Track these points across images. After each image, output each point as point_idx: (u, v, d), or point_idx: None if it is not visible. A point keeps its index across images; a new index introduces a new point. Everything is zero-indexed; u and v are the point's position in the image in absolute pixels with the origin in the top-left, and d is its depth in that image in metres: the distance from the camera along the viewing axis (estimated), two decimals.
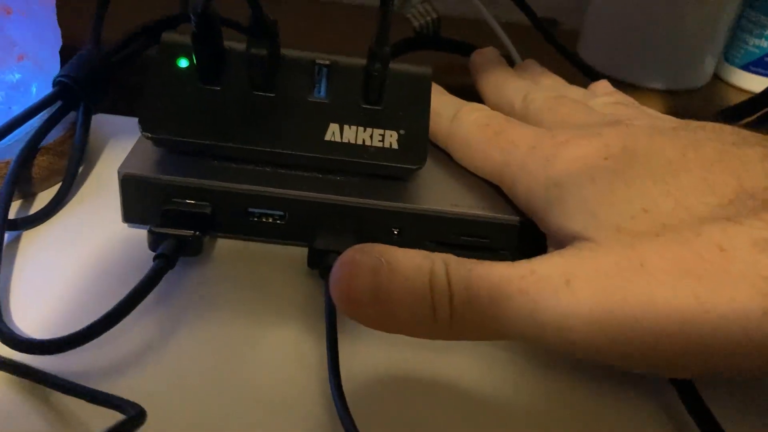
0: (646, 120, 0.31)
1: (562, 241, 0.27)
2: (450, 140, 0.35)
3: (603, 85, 0.40)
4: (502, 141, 0.32)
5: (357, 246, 0.25)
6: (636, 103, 0.37)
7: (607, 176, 0.26)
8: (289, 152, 0.32)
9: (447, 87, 0.40)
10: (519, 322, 0.24)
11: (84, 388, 0.25)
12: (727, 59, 0.61)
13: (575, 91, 0.39)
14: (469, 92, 0.46)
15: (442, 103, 0.37)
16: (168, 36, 0.33)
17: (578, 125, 0.32)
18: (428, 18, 0.49)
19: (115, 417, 0.24)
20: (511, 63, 0.48)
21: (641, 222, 0.24)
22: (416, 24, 0.49)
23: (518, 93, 0.37)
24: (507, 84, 0.39)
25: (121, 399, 0.24)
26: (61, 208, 0.35)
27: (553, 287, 0.24)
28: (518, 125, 0.33)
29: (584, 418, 0.28)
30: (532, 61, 0.44)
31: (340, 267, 0.24)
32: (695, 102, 0.58)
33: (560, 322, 0.23)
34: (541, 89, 0.37)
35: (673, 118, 0.33)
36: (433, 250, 0.33)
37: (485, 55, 0.45)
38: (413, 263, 0.24)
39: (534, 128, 0.32)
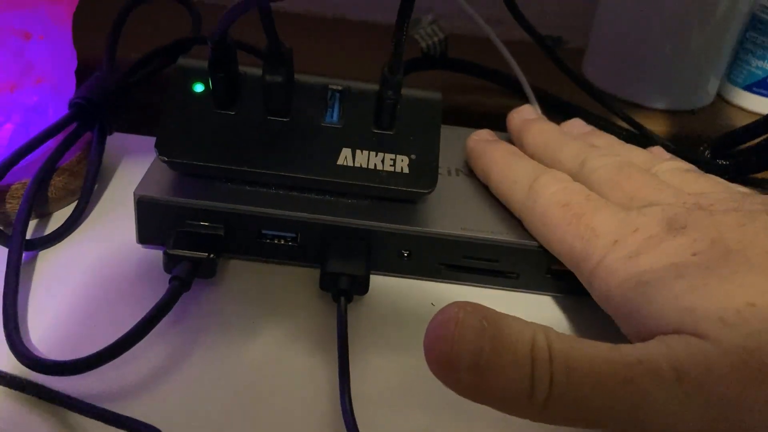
0: (725, 202, 0.29)
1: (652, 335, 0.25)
2: (525, 213, 0.33)
3: (660, 151, 0.38)
4: (582, 227, 0.30)
5: (459, 303, 0.22)
6: (696, 168, 0.34)
7: (698, 272, 0.25)
8: (303, 176, 0.33)
9: (454, 106, 0.40)
10: (619, 415, 0.22)
11: (104, 410, 0.25)
12: (730, 80, 0.62)
13: (635, 154, 0.36)
14: (477, 112, 0.47)
15: (519, 168, 0.35)
16: (184, 61, 0.34)
17: (650, 202, 0.30)
18: (435, 38, 0.49)
19: None
20: (517, 82, 0.49)
21: (749, 317, 0.22)
22: (423, 44, 0.49)
23: (575, 158, 0.35)
24: (561, 148, 0.36)
25: (140, 422, 0.24)
26: (76, 228, 0.36)
27: (662, 382, 0.22)
28: (599, 209, 0.30)
29: None
30: (579, 121, 0.42)
31: (442, 325, 0.22)
32: (698, 122, 0.59)
33: (667, 426, 0.21)
34: (600, 154, 0.34)
35: (741, 188, 0.32)
36: (442, 273, 0.34)
37: (523, 113, 0.41)
38: (516, 329, 0.22)
39: (617, 214, 0.30)
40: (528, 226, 0.33)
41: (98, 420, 0.25)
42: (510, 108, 0.42)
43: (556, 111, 0.52)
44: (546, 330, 0.23)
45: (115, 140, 0.41)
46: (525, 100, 0.49)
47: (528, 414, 0.22)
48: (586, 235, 0.30)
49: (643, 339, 0.25)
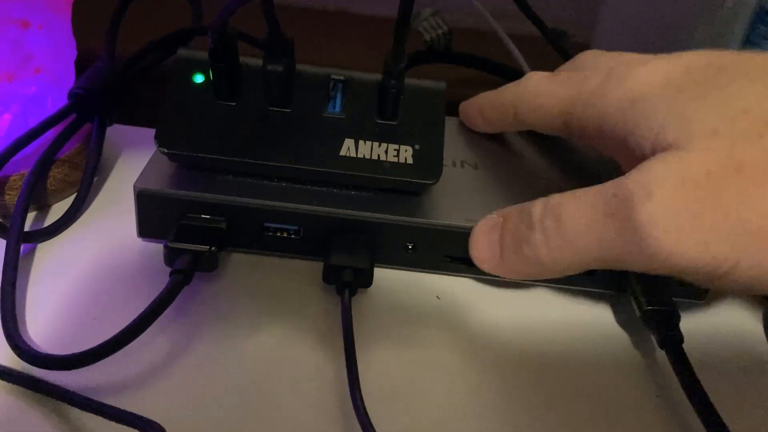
0: None
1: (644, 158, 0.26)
2: (517, 100, 0.34)
3: None
4: (573, 78, 0.31)
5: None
6: None
7: (695, 85, 0.25)
8: (305, 168, 0.32)
9: (459, 100, 0.40)
10: (611, 245, 0.24)
11: (104, 405, 0.25)
12: None
13: None
14: None
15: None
16: (184, 52, 0.33)
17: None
18: (439, 31, 0.49)
19: None
20: (522, 75, 0.48)
21: (741, 123, 0.23)
22: (427, 37, 0.48)
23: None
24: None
25: (141, 417, 0.24)
26: (75, 221, 0.35)
27: (634, 203, 0.23)
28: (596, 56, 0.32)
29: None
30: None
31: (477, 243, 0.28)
32: None
33: (643, 234, 0.23)
34: None
35: None
36: (447, 266, 0.34)
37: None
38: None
39: (612, 58, 0.31)
40: (521, 112, 0.34)
41: (98, 415, 0.25)
42: None
43: None
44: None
45: (116, 132, 0.41)
46: None
47: (540, 267, 0.26)
48: (578, 80, 0.30)
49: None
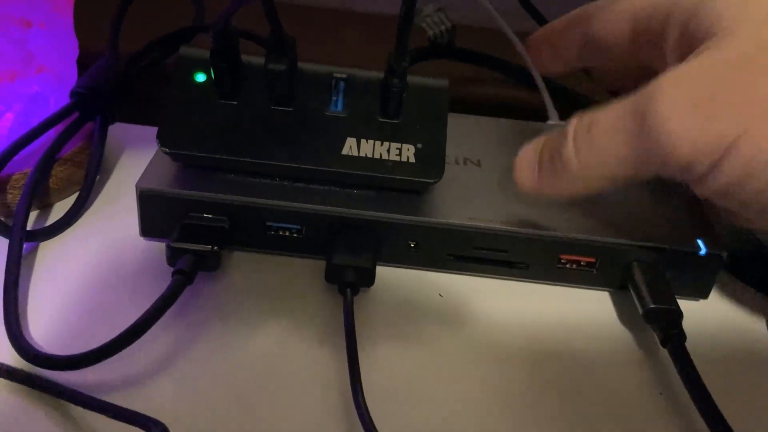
0: None
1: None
2: (591, 8, 0.34)
3: None
4: None
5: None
6: None
7: None
8: (307, 167, 0.32)
9: (462, 98, 0.40)
10: (633, 145, 0.25)
11: (107, 404, 0.25)
12: None
13: None
14: (484, 103, 0.46)
15: None
16: (186, 50, 0.33)
17: None
18: (442, 27, 0.49)
19: None
20: (527, 73, 0.48)
21: None
22: (430, 33, 0.48)
23: None
24: None
25: (144, 416, 0.24)
26: (78, 220, 0.35)
27: (655, 94, 0.24)
28: None
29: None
30: None
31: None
32: None
33: (655, 122, 0.24)
34: None
35: None
36: (450, 263, 0.34)
37: None
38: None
39: None
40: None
41: (101, 413, 0.25)
42: (520, 100, 0.41)
43: (567, 101, 0.51)
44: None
45: (118, 131, 0.41)
46: (535, 91, 0.48)
47: (572, 180, 0.28)
48: None
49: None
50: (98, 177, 0.38)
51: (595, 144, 0.26)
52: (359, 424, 0.26)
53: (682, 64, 0.25)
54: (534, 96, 0.48)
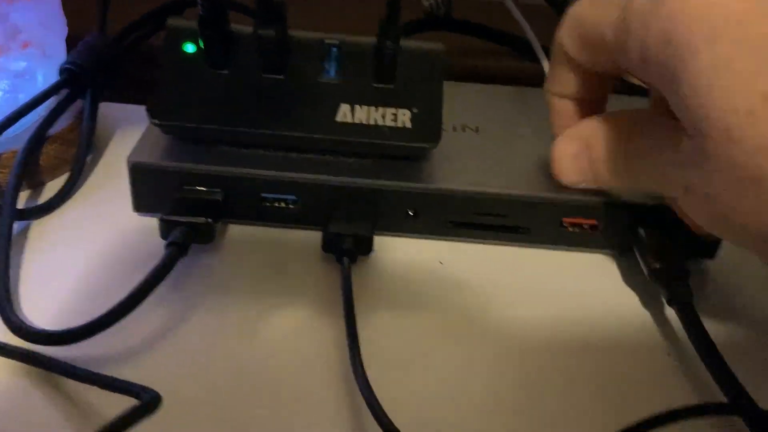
0: None
1: None
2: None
3: None
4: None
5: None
6: None
7: None
8: (300, 135, 0.31)
9: (459, 71, 0.39)
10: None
11: (97, 375, 0.24)
12: None
13: None
14: (483, 76, 0.45)
15: None
16: (174, 21, 0.33)
17: None
18: None
19: (130, 403, 0.23)
20: (526, 43, 0.47)
21: None
22: (426, 3, 0.47)
23: None
24: None
25: (136, 384, 0.23)
26: (70, 198, 0.35)
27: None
28: None
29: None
30: None
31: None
32: None
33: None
34: None
35: None
36: (450, 231, 0.33)
37: None
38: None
39: None
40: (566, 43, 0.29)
41: (95, 385, 0.24)
42: (519, 70, 0.40)
43: None
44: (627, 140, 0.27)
45: (111, 110, 0.40)
46: (534, 62, 0.47)
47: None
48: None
49: None
50: (91, 156, 0.37)
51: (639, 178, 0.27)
52: (358, 391, 0.25)
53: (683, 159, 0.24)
54: (533, 66, 0.47)
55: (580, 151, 0.29)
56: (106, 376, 0.24)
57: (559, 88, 0.31)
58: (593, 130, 0.29)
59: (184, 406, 0.25)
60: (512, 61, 0.51)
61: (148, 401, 0.22)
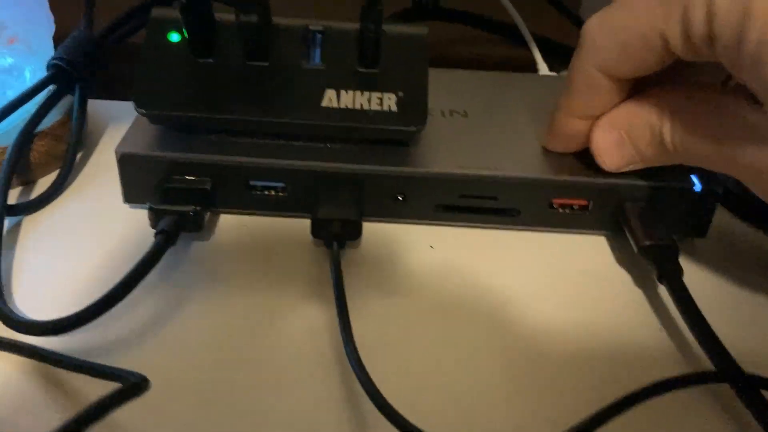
0: None
1: None
2: None
3: None
4: None
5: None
6: None
7: None
8: (286, 121, 0.31)
9: (448, 59, 0.39)
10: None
11: (84, 362, 0.24)
12: None
13: None
14: (473, 63, 0.45)
15: None
16: (158, 11, 0.33)
17: None
18: None
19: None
20: (515, 29, 0.47)
21: None
22: None
23: None
24: None
25: (122, 370, 0.23)
26: (61, 193, 0.35)
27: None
28: None
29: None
30: None
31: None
32: None
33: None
34: None
35: None
36: (439, 215, 0.33)
37: None
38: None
39: None
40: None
41: (82, 373, 0.24)
42: (508, 57, 0.40)
43: (558, 57, 0.50)
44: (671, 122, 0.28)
45: (101, 107, 0.41)
46: (524, 48, 0.47)
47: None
48: None
49: None
50: (82, 152, 0.38)
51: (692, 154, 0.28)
52: (350, 374, 0.25)
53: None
54: (522, 53, 0.47)
55: (621, 139, 0.30)
56: (92, 363, 0.24)
57: (584, 111, 0.31)
58: (631, 115, 0.29)
59: (175, 391, 0.25)
60: (501, 48, 0.51)
61: (133, 383, 0.22)
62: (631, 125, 0.29)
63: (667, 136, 0.28)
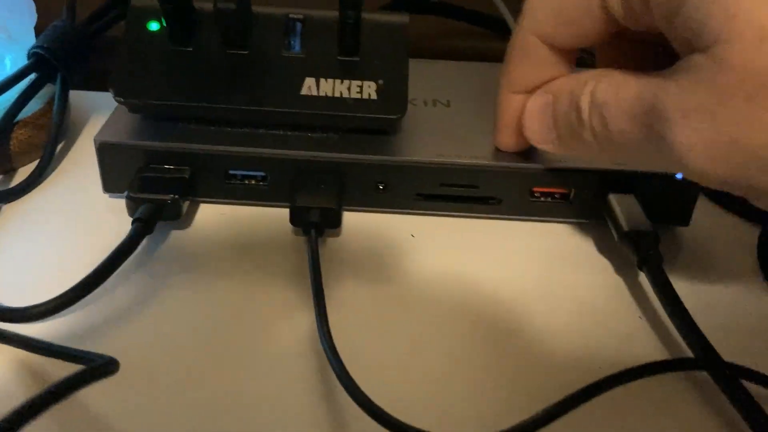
0: None
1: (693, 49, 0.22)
2: None
3: None
4: None
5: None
6: None
7: None
8: (265, 109, 0.31)
9: (436, 52, 0.39)
10: (650, 151, 0.24)
11: (51, 344, 0.24)
12: None
13: None
14: (460, 58, 0.45)
15: None
16: (137, 1, 0.33)
17: None
18: None
19: None
20: (504, 23, 0.47)
21: None
22: None
23: None
24: None
25: (90, 353, 0.23)
26: (41, 182, 0.35)
27: (670, 124, 0.22)
28: None
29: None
30: None
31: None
32: None
33: (679, 155, 0.22)
34: None
35: None
36: (420, 204, 0.33)
37: None
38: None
39: None
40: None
41: (53, 357, 0.24)
42: (496, 50, 0.40)
43: None
44: (596, 83, 0.25)
45: (83, 98, 0.40)
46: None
47: (595, 154, 0.27)
48: None
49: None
50: (64, 142, 0.37)
51: (612, 138, 0.25)
52: (326, 361, 0.25)
53: (683, 89, 0.22)
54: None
55: (546, 104, 0.28)
56: (60, 346, 0.24)
57: (523, 83, 0.30)
58: (563, 82, 0.28)
59: (150, 377, 0.25)
60: (489, 41, 0.51)
61: (100, 364, 0.21)
62: (558, 90, 0.28)
63: (584, 104, 0.26)
